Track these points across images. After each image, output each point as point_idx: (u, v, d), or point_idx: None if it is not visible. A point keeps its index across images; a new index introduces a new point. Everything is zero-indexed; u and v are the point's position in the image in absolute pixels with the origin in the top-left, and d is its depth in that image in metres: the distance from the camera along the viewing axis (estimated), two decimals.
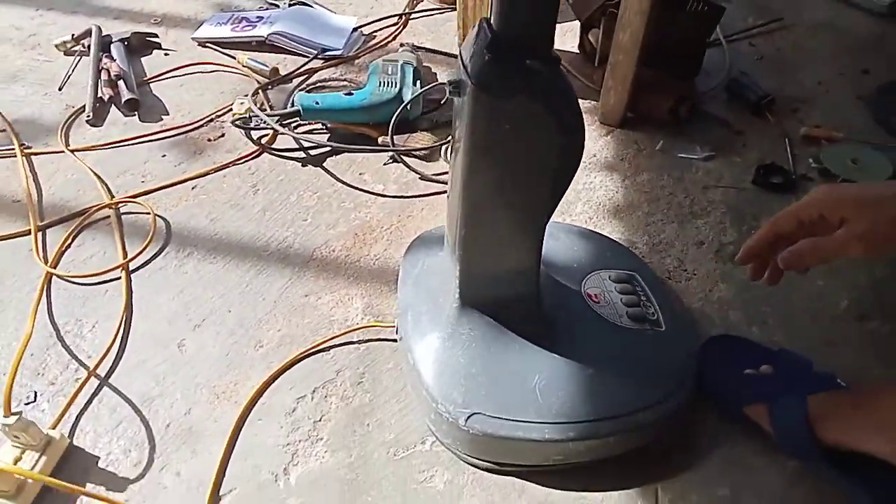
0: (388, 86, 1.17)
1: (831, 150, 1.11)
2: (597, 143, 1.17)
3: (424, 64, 1.33)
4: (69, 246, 1.00)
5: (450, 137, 1.13)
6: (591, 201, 1.06)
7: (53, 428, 0.77)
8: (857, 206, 0.60)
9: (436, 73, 1.31)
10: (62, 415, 0.79)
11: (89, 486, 0.73)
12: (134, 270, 0.97)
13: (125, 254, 0.98)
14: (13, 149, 1.15)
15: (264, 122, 1.15)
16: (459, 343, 0.75)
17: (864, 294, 0.92)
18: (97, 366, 0.84)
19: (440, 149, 1.13)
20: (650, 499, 0.72)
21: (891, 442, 0.65)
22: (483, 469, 0.74)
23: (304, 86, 1.30)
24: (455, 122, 0.67)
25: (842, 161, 1.08)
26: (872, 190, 0.61)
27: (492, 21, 0.58)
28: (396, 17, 1.51)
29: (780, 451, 0.73)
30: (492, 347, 0.75)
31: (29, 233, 1.01)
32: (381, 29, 1.49)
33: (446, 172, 1.12)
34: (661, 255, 0.97)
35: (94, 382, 0.83)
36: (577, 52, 1.37)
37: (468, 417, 0.70)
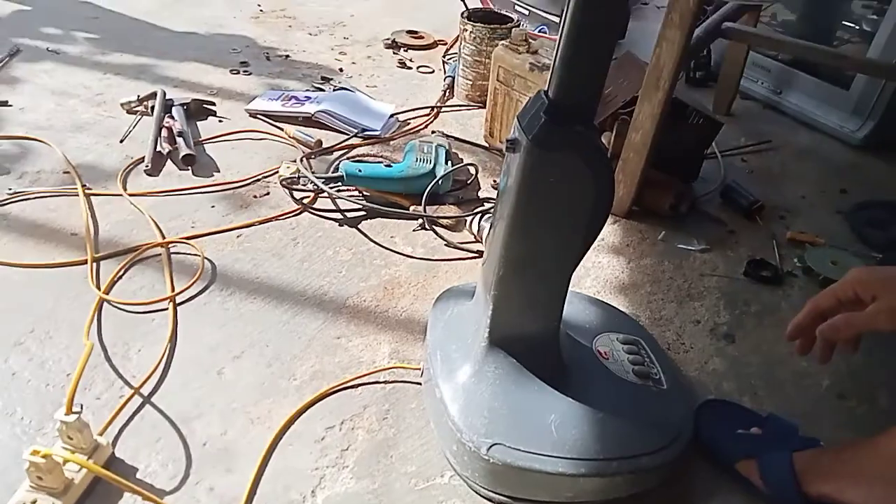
0: (423, 162, 1.30)
1: (814, 252, 1.24)
2: (605, 229, 1.30)
3: (453, 150, 1.47)
4: (121, 277, 1.09)
5: (475, 210, 1.25)
6: (599, 278, 1.18)
7: (100, 435, 0.83)
8: (886, 285, 0.68)
9: (462, 159, 1.46)
10: (107, 426, 0.85)
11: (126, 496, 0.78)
12: (180, 303, 1.05)
13: (173, 287, 1.07)
14: (75, 188, 1.26)
15: (310, 182, 1.28)
16: (485, 379, 0.83)
17: (843, 377, 1.02)
18: (141, 385, 0.91)
19: (465, 221, 1.25)
20: None
21: (867, 492, 0.73)
22: (497, 503, 0.80)
23: (344, 157, 1.44)
24: (504, 177, 0.78)
25: (823, 262, 1.21)
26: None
27: (549, 92, 0.71)
28: (429, 109, 1.68)
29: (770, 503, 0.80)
30: (514, 385, 0.83)
31: (85, 262, 1.10)
32: (415, 117, 1.65)
33: (470, 241, 1.24)
34: (662, 329, 1.07)
35: (137, 400, 0.90)
36: None
37: (490, 447, 0.78)
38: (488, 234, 1.19)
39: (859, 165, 1.64)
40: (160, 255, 1.14)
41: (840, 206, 1.44)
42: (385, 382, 0.95)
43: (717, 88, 1.81)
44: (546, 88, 0.73)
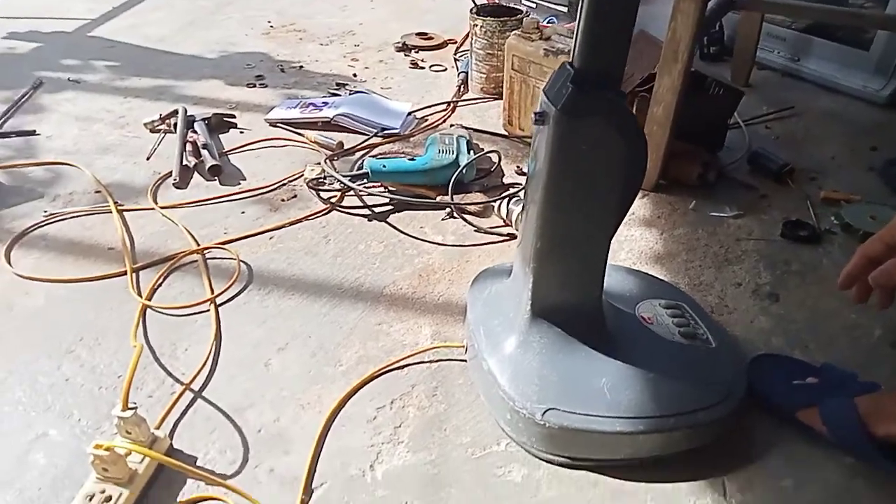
0: (446, 153, 1.31)
1: (852, 208, 1.23)
2: (634, 203, 1.29)
3: (474, 141, 1.48)
4: (160, 284, 1.11)
5: (501, 195, 1.25)
6: (633, 250, 1.17)
7: (157, 429, 0.84)
8: None
9: (483, 148, 1.46)
10: (162, 421, 0.86)
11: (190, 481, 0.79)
12: (221, 304, 1.06)
13: (213, 290, 1.09)
14: (108, 206, 1.29)
15: (337, 181, 1.29)
16: (531, 349, 0.83)
17: (895, 325, 0.99)
18: (192, 381, 0.92)
19: (493, 206, 1.25)
20: (718, 489, 0.77)
21: None
22: (557, 464, 0.80)
23: (367, 156, 1.45)
24: (534, 152, 0.79)
25: (862, 217, 1.19)
26: None
27: (573, 62, 0.72)
28: (445, 105, 1.69)
29: (835, 449, 0.78)
30: (561, 353, 0.83)
31: (125, 273, 1.12)
32: (432, 114, 1.66)
33: (500, 225, 1.24)
34: (703, 294, 1.06)
35: (188, 396, 0.91)
36: None
37: (544, 412, 0.77)
38: (518, 215, 1.19)
39: (886, 123, 1.61)
40: (196, 261, 1.15)
41: (872, 163, 1.42)
42: (430, 362, 0.95)
43: (734, 61, 1.80)
44: (570, 60, 0.73)
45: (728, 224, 1.23)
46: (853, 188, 1.32)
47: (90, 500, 0.75)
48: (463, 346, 0.95)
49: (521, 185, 1.30)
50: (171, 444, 0.84)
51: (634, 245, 1.18)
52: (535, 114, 0.75)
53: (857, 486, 0.77)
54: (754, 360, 0.90)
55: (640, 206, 1.29)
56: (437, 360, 0.95)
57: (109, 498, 0.75)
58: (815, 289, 1.08)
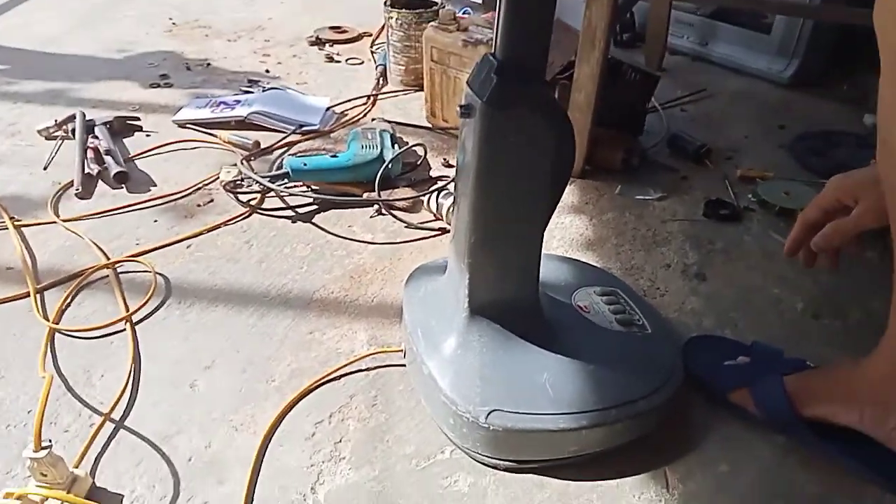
0: (369, 148, 1.27)
1: (766, 186, 1.27)
2: None
3: (398, 134, 1.44)
4: (69, 305, 1.02)
5: (430, 188, 1.22)
6: (565, 238, 1.17)
7: (76, 468, 0.77)
8: (864, 186, 0.70)
9: (408, 142, 1.43)
10: (81, 458, 0.79)
11: None
12: (137, 322, 0.99)
13: (127, 307, 1.01)
14: (2, 221, 1.18)
15: (256, 182, 1.22)
16: (471, 349, 0.81)
17: (816, 297, 1.04)
18: (111, 410, 0.85)
19: (422, 200, 1.23)
20: (661, 481, 0.77)
21: (859, 414, 0.74)
22: (503, 469, 0.78)
23: (287, 155, 1.39)
24: (462, 145, 0.77)
25: (776, 193, 1.24)
26: (871, 172, 0.71)
27: (496, 53, 0.70)
28: (365, 98, 1.64)
29: (767, 429, 0.81)
30: (501, 350, 0.81)
31: (27, 295, 1.03)
32: (351, 108, 1.61)
33: (430, 220, 1.21)
34: (635, 278, 1.07)
35: (109, 426, 0.84)
36: None
37: (488, 415, 0.75)
38: (449, 209, 1.17)
39: (791, 101, 1.68)
40: (107, 277, 1.07)
41: (781, 140, 1.48)
42: (368, 370, 0.91)
43: (646, 47, 1.83)
44: (493, 50, 0.72)
45: (653, 206, 1.25)
46: (767, 166, 1.37)
47: None
48: (401, 351, 0.92)
49: (449, 177, 1.28)
50: (94, 483, 0.77)
51: (566, 233, 1.18)
52: (461, 107, 0.73)
53: (790, 464, 0.79)
54: (688, 343, 0.91)
55: (569, 193, 1.29)
56: (374, 368, 0.92)
57: None
58: (740, 265, 1.11)
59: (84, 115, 1.44)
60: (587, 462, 0.78)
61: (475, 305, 0.82)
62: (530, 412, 0.76)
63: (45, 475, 0.72)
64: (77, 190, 1.26)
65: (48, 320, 0.98)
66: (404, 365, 0.91)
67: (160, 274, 1.08)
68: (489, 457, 0.78)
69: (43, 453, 0.71)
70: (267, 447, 0.81)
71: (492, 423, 0.75)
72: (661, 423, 0.82)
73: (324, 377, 0.90)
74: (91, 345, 0.95)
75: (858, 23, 1.35)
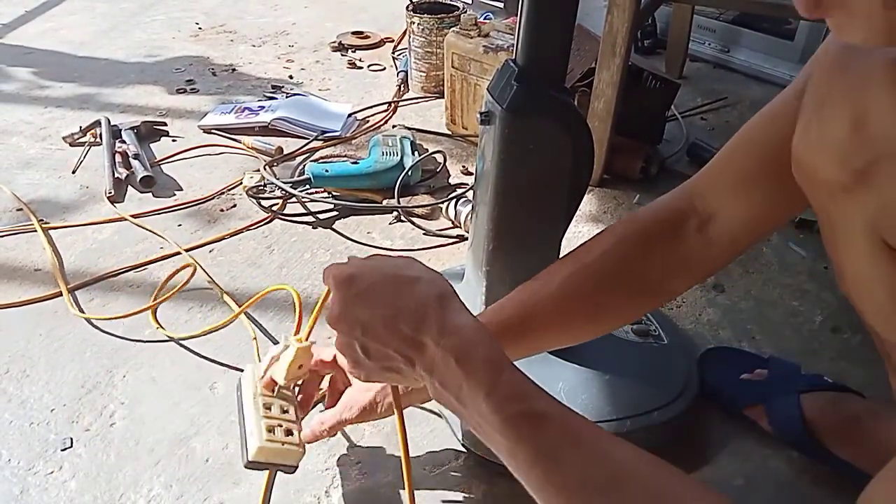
0: (390, 155, 1.28)
1: None
2: None
3: (418, 141, 1.45)
4: (97, 305, 1.05)
5: (448, 196, 1.23)
6: None
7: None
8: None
9: (427, 149, 1.44)
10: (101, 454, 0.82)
11: None
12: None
13: (155, 317, 1.03)
14: (32, 224, 1.21)
15: (278, 188, 1.24)
16: None
17: (834, 311, 1.03)
18: (132, 410, 0.87)
19: (441, 208, 1.24)
20: None
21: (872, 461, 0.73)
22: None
23: (308, 160, 1.41)
24: (482, 152, 0.78)
25: None
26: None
27: (516, 59, 0.70)
28: (386, 105, 1.66)
29: (781, 443, 0.80)
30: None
31: (58, 295, 1.05)
32: (373, 115, 1.63)
33: (448, 227, 1.22)
34: None
35: (129, 426, 0.86)
36: None
37: None
38: (467, 216, 1.18)
39: None
40: (140, 279, 1.10)
41: None
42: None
43: (667, 54, 1.83)
44: (514, 56, 0.72)
45: None
46: None
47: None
48: None
49: (467, 185, 1.29)
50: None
51: (582, 241, 1.18)
52: (481, 113, 0.74)
53: (805, 480, 0.79)
54: (704, 355, 0.91)
55: (586, 202, 1.29)
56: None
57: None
58: (758, 277, 1.10)
59: (109, 121, 1.47)
60: None
61: None
62: None
63: (301, 367, 0.69)
64: (110, 193, 1.29)
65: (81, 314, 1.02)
66: None
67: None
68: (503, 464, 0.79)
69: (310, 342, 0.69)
70: None
71: None
72: (676, 434, 0.82)
73: None
74: (116, 345, 0.98)
75: None
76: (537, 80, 0.70)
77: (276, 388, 0.70)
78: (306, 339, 0.69)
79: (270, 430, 0.67)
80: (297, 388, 0.75)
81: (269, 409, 0.69)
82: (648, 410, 0.78)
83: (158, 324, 1.00)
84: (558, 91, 0.71)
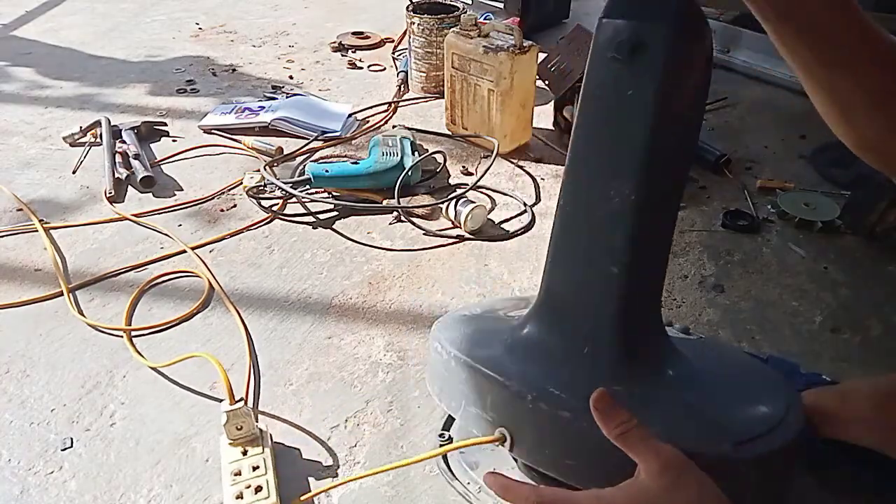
0: (390, 155, 1.28)
1: (787, 196, 1.26)
2: None
3: (418, 142, 1.45)
4: (98, 304, 1.05)
5: (449, 196, 1.23)
6: None
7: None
8: None
9: (427, 149, 1.44)
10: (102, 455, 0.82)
11: None
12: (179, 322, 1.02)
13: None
14: (32, 224, 1.21)
15: (278, 188, 1.25)
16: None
17: (835, 311, 1.03)
18: (132, 410, 0.87)
19: (441, 208, 1.24)
20: None
21: (877, 433, 0.73)
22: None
23: (308, 161, 1.41)
24: (604, 111, 0.61)
25: (796, 204, 1.23)
26: None
27: None
28: (386, 105, 1.66)
29: None
30: None
31: (56, 296, 1.06)
32: (373, 115, 1.63)
33: (448, 228, 1.22)
34: None
35: (129, 426, 0.86)
36: (553, 128, 1.53)
37: None
38: (467, 216, 1.18)
39: (813, 111, 1.64)
40: (140, 279, 1.10)
41: (802, 150, 1.47)
42: (384, 375, 0.93)
43: None
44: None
45: None
46: (787, 175, 1.36)
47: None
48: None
49: (467, 185, 1.28)
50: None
51: None
52: (618, 44, 0.56)
53: (807, 480, 0.78)
54: None
55: None
56: (391, 374, 0.93)
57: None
58: (758, 277, 1.10)
59: (109, 122, 1.47)
60: None
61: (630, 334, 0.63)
62: None
63: (241, 428, 0.79)
64: (110, 193, 1.29)
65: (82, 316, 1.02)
66: (420, 372, 0.92)
67: (185, 277, 1.10)
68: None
69: (239, 405, 0.78)
70: (283, 450, 0.83)
71: None
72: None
73: (341, 382, 0.91)
74: (116, 344, 0.98)
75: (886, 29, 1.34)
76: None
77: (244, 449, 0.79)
78: (232, 402, 0.78)
79: (239, 496, 0.75)
80: (268, 434, 0.82)
81: (239, 474, 0.77)
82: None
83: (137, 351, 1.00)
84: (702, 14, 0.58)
